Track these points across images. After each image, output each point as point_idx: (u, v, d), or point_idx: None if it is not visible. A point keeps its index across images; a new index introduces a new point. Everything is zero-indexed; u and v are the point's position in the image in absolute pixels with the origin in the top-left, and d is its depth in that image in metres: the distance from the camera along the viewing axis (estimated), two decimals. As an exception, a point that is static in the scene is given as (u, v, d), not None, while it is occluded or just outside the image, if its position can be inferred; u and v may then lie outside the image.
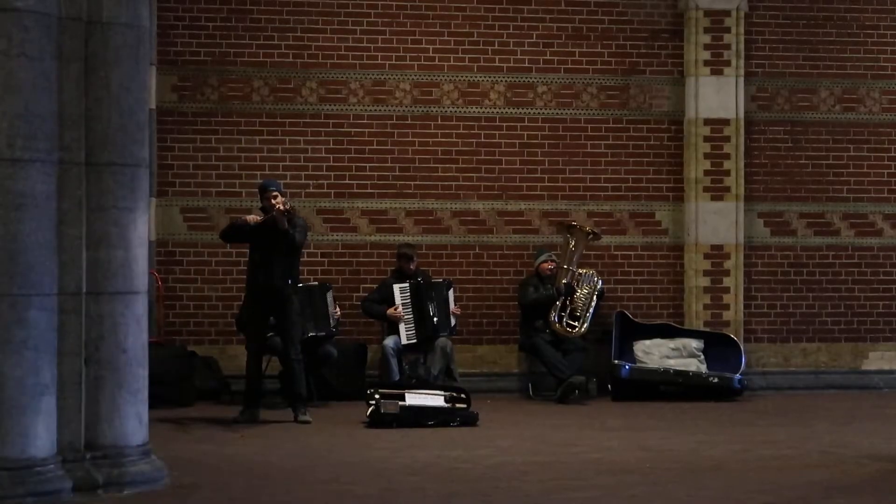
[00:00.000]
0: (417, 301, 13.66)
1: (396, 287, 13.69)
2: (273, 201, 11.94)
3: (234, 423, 11.93)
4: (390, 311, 13.63)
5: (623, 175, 14.86)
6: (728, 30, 14.77)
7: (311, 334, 13.15)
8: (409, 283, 13.71)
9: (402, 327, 13.65)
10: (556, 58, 14.78)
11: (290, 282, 12.10)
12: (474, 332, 14.55)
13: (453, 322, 13.88)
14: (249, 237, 12.10)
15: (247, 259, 12.48)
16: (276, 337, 12.39)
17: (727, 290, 14.78)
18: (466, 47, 14.65)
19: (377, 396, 11.89)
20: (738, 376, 14.17)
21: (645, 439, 11.10)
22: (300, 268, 12.58)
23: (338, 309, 13.67)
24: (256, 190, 12.60)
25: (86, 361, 8.27)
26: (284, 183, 13.93)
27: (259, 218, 12.00)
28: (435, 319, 13.66)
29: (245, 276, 12.51)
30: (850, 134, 15.20)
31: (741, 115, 14.81)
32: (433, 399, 12.04)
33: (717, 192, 14.77)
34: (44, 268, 7.96)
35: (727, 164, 14.77)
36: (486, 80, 14.67)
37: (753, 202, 14.95)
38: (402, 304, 13.64)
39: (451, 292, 13.95)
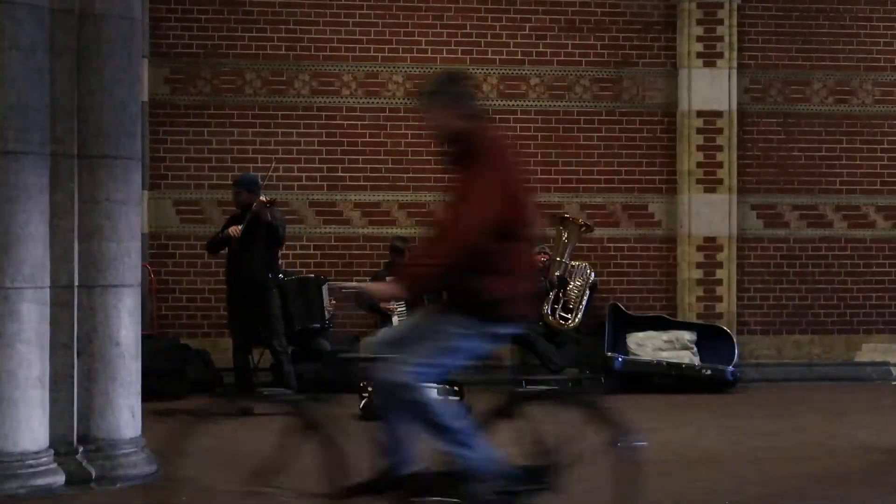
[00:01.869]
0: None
1: (389, 280, 13.69)
2: (238, 197, 12.12)
3: (228, 416, 11.90)
4: (384, 303, 13.63)
5: (616, 167, 14.87)
6: (721, 22, 14.77)
7: (300, 327, 13.15)
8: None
9: (395, 320, 13.65)
10: (548, 50, 14.77)
11: (270, 275, 12.15)
12: (467, 324, 14.53)
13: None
14: (231, 238, 12.12)
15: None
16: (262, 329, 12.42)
17: (720, 282, 14.79)
18: (459, 39, 14.65)
19: (370, 389, 11.87)
20: (730, 368, 14.18)
21: (638, 431, 11.08)
22: (287, 260, 12.62)
23: (334, 302, 13.68)
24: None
25: (78, 354, 8.26)
26: (277, 175, 13.92)
27: (239, 228, 12.02)
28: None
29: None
30: (842, 126, 15.21)
31: (734, 107, 14.81)
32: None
33: (710, 184, 14.78)
34: (36, 261, 7.95)
35: (720, 156, 14.78)
36: (479, 73, 14.66)
37: (746, 194, 14.96)
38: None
39: (443, 284, 13.93)
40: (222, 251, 12.51)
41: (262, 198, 12.05)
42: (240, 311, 12.18)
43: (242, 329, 12.21)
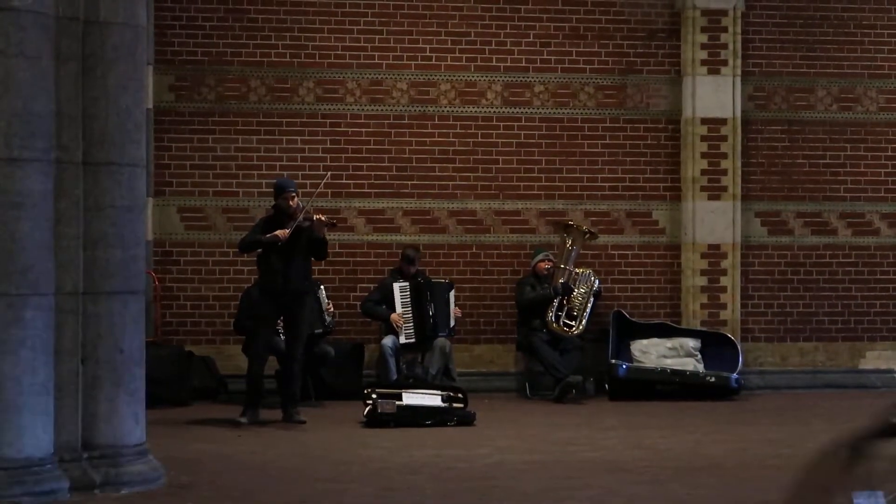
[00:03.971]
0: (417, 300, 13.67)
1: (397, 286, 13.69)
2: (291, 202, 11.89)
3: (240, 424, 11.78)
4: (393, 315, 13.60)
5: (620, 174, 14.87)
6: (725, 29, 14.77)
7: (307, 332, 13.15)
8: (410, 282, 13.72)
9: (401, 334, 13.61)
10: (553, 57, 14.78)
11: (307, 283, 12.10)
12: (472, 331, 14.55)
13: (452, 323, 13.87)
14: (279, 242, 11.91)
15: (245, 260, 12.40)
16: (278, 337, 12.35)
17: (724, 289, 14.78)
18: (463, 47, 14.66)
19: (374, 396, 11.89)
20: (735, 376, 14.17)
21: (642, 438, 11.10)
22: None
23: (331, 304, 13.66)
24: (258, 189, 12.55)
25: (83, 361, 8.27)
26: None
27: (287, 231, 11.83)
28: (434, 319, 13.66)
29: (253, 277, 12.41)
30: (847, 133, 15.21)
31: (738, 114, 14.81)
32: (430, 399, 12.04)
33: (715, 191, 14.77)
34: (41, 267, 7.96)
35: (724, 164, 14.78)
36: (483, 80, 14.68)
37: (750, 201, 14.96)
38: (402, 303, 13.63)
39: (451, 294, 13.95)
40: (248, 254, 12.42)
41: (321, 216, 12.01)
42: (270, 318, 12.08)
43: (267, 336, 12.11)
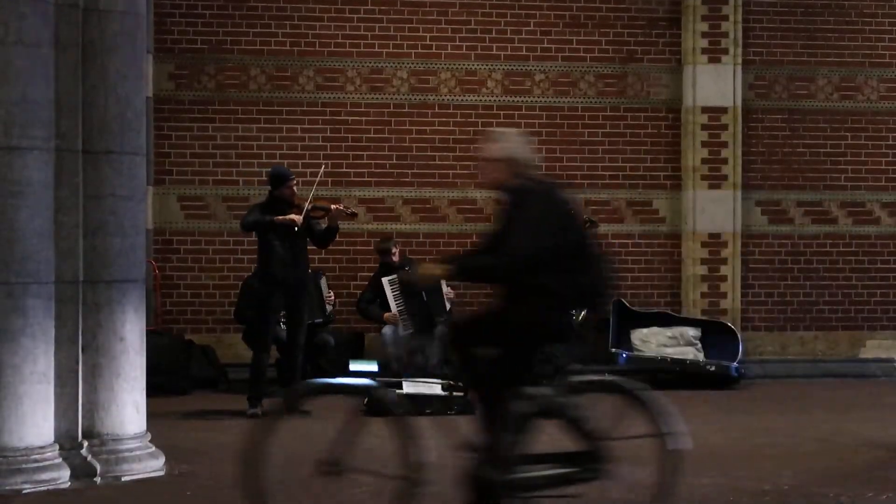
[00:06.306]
0: (407, 291, 13.62)
1: (385, 280, 13.62)
2: (295, 189, 11.79)
3: (256, 416, 11.64)
4: (386, 315, 13.57)
5: (620, 163, 14.86)
6: (726, 18, 14.76)
7: (308, 322, 13.14)
8: (397, 274, 13.69)
9: (400, 328, 13.60)
10: (553, 46, 14.77)
11: (308, 271, 12.06)
12: (472, 320, 14.52)
13: (448, 306, 13.84)
14: (273, 228, 11.79)
15: (246, 248, 12.35)
16: (278, 326, 12.31)
17: (724, 278, 14.78)
18: (464, 35, 14.64)
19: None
20: (735, 365, 14.17)
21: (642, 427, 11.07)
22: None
23: (331, 293, 13.66)
24: (258, 178, 12.49)
25: (83, 349, 8.27)
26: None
27: (301, 217, 11.71)
28: (428, 306, 13.63)
29: (253, 266, 12.32)
30: (847, 122, 15.19)
31: (739, 103, 14.80)
32: (430, 388, 12.03)
33: (715, 180, 14.77)
34: (41, 256, 7.96)
35: (725, 153, 14.77)
36: (484, 69, 14.66)
37: (751, 190, 14.95)
38: (394, 296, 13.59)
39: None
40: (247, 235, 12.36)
41: (340, 206, 11.96)
42: (277, 308, 11.92)
43: (272, 326, 11.95)
